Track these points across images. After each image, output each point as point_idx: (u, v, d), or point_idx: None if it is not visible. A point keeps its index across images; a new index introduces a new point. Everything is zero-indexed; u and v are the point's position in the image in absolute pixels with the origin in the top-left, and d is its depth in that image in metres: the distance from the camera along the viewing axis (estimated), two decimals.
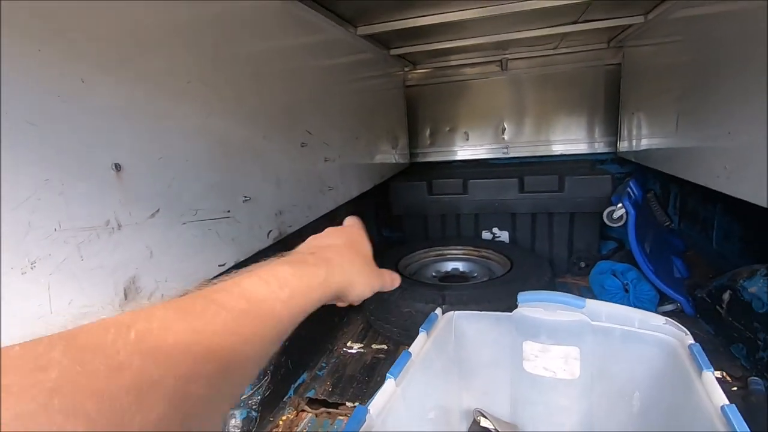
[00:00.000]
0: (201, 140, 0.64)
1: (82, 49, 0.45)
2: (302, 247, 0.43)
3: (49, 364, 0.20)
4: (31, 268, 0.40)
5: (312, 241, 0.45)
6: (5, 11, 0.38)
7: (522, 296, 0.67)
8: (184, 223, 0.59)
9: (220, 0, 0.68)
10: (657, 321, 0.60)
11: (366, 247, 0.46)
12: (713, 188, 0.99)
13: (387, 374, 0.53)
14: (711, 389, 0.46)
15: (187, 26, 0.61)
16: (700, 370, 0.49)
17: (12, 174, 0.38)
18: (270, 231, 0.81)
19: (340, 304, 0.44)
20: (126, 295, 0.49)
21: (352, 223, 0.51)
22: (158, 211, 0.54)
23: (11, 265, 0.39)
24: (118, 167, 0.48)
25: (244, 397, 0.90)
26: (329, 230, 0.47)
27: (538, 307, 0.65)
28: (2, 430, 0.17)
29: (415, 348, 0.60)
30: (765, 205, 0.79)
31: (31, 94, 0.40)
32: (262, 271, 0.32)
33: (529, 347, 0.66)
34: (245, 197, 0.73)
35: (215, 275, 0.66)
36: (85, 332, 0.22)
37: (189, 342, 0.24)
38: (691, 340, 0.55)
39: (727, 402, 0.43)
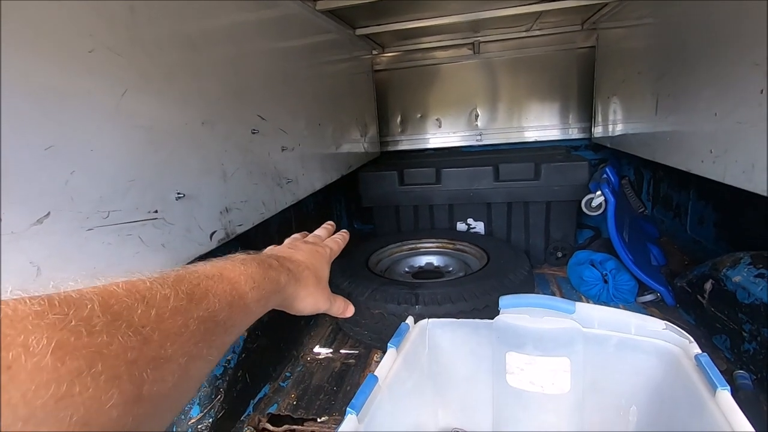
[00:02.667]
0: (113, 125, 0.51)
1: None
2: (266, 251, 0.48)
3: (93, 328, 0.21)
4: None
5: (275, 248, 0.51)
6: None
7: (504, 301, 0.58)
8: (89, 229, 0.47)
9: None
10: (656, 326, 0.53)
11: (324, 271, 0.51)
12: (697, 173, 0.94)
13: (347, 408, 0.43)
14: (730, 413, 0.39)
15: None
16: (713, 387, 0.42)
17: None
18: (214, 232, 0.69)
19: (285, 309, 0.47)
20: None
21: (329, 245, 0.56)
22: (48, 215, 0.42)
23: None
24: None
25: (193, 421, 0.78)
26: (298, 244, 0.53)
27: (522, 314, 0.57)
28: (54, 379, 0.19)
29: (382, 369, 0.51)
30: (757, 192, 0.74)
31: None
32: (238, 267, 0.36)
33: (513, 359, 0.58)
34: (179, 194, 0.62)
35: None
36: (116, 301, 0.24)
37: (194, 328, 0.28)
38: (697, 349, 0.48)
39: (752, 430, 0.36)
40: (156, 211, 0.57)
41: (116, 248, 0.50)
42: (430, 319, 0.63)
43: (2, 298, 0.20)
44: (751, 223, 1.20)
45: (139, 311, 0.24)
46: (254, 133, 0.84)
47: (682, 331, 0.51)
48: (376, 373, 0.50)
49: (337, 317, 0.52)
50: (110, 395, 0.21)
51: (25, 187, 0.40)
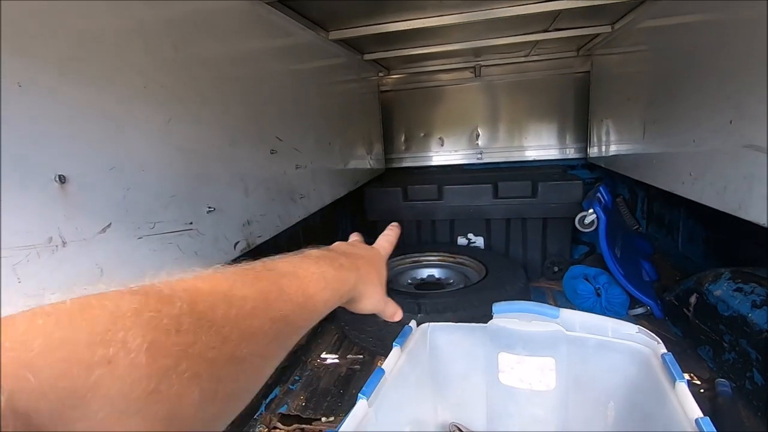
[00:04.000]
0: (160, 148, 0.60)
1: (18, 48, 0.41)
2: (336, 248, 0.46)
3: (181, 327, 0.22)
4: None
5: (342, 245, 0.49)
6: None
7: (497, 307, 0.65)
8: (140, 238, 0.55)
9: (180, 0, 0.65)
10: (630, 330, 0.60)
11: (384, 273, 0.50)
12: (679, 194, 1.02)
13: (359, 394, 0.51)
14: (684, 400, 0.46)
15: (143, 26, 0.57)
16: (673, 380, 0.49)
17: None
18: (237, 242, 0.77)
19: (348, 307, 0.47)
20: None
21: (383, 246, 0.55)
22: (110, 225, 0.50)
23: None
24: (62, 179, 0.44)
25: None
26: (357, 243, 0.52)
27: (513, 318, 0.64)
28: (146, 375, 0.20)
29: (388, 364, 0.58)
30: (728, 212, 0.81)
31: None
32: (311, 266, 0.36)
33: (505, 359, 0.65)
34: (209, 208, 0.70)
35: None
36: (201, 300, 0.25)
37: (267, 328, 0.28)
38: (664, 350, 0.55)
39: (701, 414, 0.43)
40: (191, 223, 0.65)
41: (160, 254, 0.58)
42: (431, 323, 0.70)
43: (106, 290, 0.22)
44: (737, 240, 1.26)
45: (221, 312, 0.25)
46: (273, 153, 0.93)
47: (652, 334, 0.58)
48: (383, 367, 0.57)
49: (386, 320, 0.51)
50: (191, 392, 0.22)
51: (95, 202, 0.49)
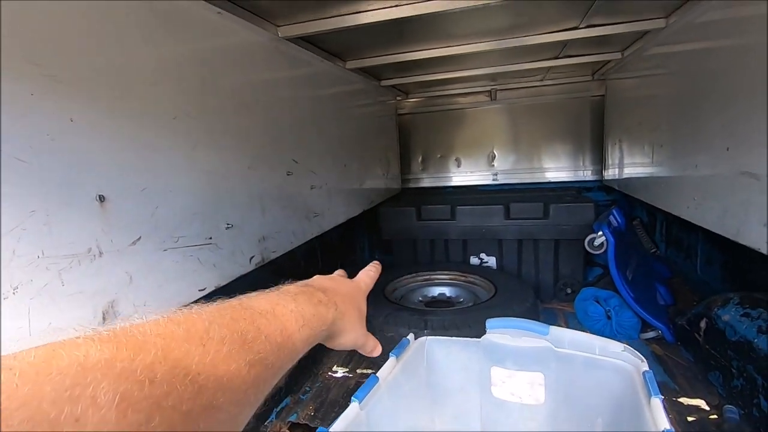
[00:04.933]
0: (185, 172, 0.68)
1: (71, 91, 0.50)
2: (314, 283, 0.46)
3: (155, 377, 0.21)
4: (13, 293, 0.43)
5: (321, 280, 0.49)
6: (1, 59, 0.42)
7: (490, 323, 0.69)
8: (165, 250, 0.62)
9: (208, 38, 0.73)
10: (616, 348, 0.62)
11: (364, 307, 0.51)
12: (684, 218, 1.03)
13: (351, 397, 0.55)
14: (656, 415, 0.48)
15: (175, 64, 0.66)
16: (649, 396, 0.51)
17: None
18: (252, 257, 0.84)
19: (326, 344, 0.47)
20: (104, 319, 0.52)
21: (363, 280, 0.55)
22: (140, 238, 0.58)
23: None
24: (102, 198, 0.52)
25: None
26: (338, 278, 0.51)
27: (504, 334, 0.68)
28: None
29: (383, 372, 0.63)
30: (728, 236, 0.83)
31: (21, 134, 0.44)
32: (289, 305, 0.36)
33: (497, 373, 0.68)
34: (228, 224, 0.77)
35: (195, 300, 0.69)
36: (176, 345, 0.24)
37: (245, 373, 0.28)
38: (646, 367, 0.57)
39: (668, 426, 0.45)
40: (210, 238, 0.72)
41: (182, 265, 0.65)
42: (429, 337, 0.74)
43: (77, 334, 0.22)
44: (755, 264, 1.24)
45: (197, 358, 0.24)
46: (289, 174, 1.00)
47: (637, 352, 0.60)
48: (377, 375, 0.61)
49: (365, 354, 0.52)
50: None
51: (128, 218, 0.56)
